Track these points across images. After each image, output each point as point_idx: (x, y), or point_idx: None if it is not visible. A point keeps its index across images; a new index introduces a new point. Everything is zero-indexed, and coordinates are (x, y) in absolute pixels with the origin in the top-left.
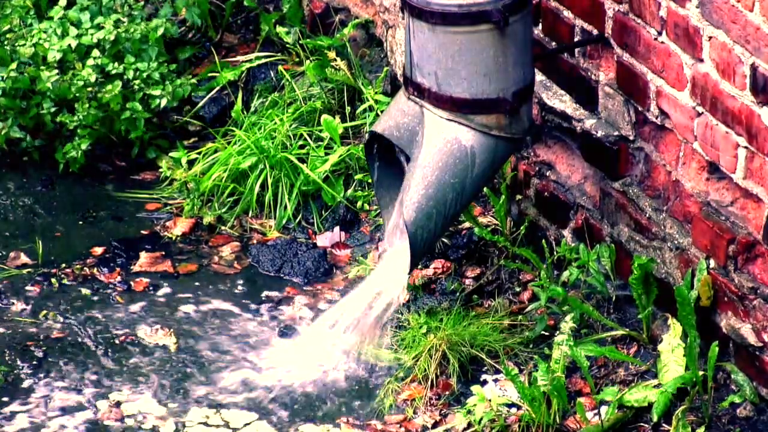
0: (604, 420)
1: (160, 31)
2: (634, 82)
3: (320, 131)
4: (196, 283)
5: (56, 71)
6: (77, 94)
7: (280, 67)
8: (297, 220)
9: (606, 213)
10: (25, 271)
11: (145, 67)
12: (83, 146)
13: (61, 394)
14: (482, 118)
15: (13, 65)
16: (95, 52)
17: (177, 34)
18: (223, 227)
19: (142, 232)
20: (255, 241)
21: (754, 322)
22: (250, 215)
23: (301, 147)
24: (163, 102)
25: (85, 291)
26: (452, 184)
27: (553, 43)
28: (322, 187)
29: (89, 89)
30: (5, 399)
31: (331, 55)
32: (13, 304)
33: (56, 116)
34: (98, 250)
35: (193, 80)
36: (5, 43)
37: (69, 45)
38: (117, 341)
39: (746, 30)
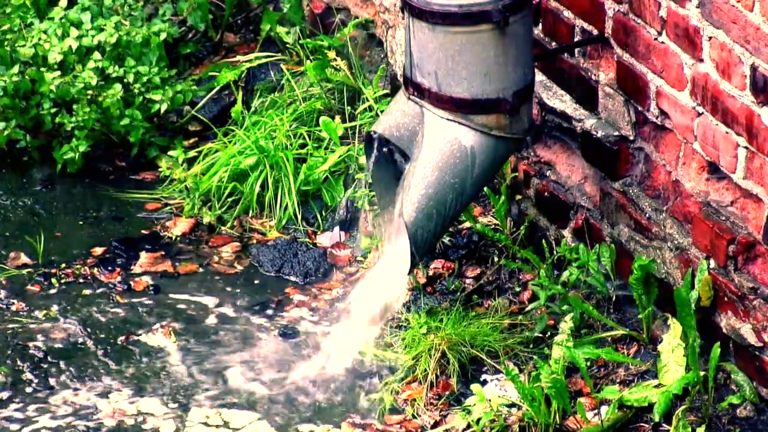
0: (604, 420)
1: (163, 36)
2: (634, 82)
3: (320, 131)
4: (196, 283)
5: (58, 72)
6: (77, 96)
7: (282, 66)
8: (298, 220)
9: (606, 213)
10: (25, 271)
11: (145, 70)
12: (81, 148)
13: (61, 394)
14: (482, 118)
15: (15, 68)
16: (96, 55)
17: (177, 34)
18: (223, 227)
19: (142, 232)
20: (255, 241)
21: (754, 322)
22: (250, 215)
23: (302, 147)
24: (163, 107)
25: (85, 291)
26: (452, 184)
27: (553, 43)
28: (321, 187)
29: (89, 92)
30: (5, 399)
31: (332, 54)
32: (13, 304)
33: (56, 116)
34: (98, 250)
35: (194, 86)
36: (5, 43)
37: (69, 46)
38: (117, 341)
39: (746, 30)
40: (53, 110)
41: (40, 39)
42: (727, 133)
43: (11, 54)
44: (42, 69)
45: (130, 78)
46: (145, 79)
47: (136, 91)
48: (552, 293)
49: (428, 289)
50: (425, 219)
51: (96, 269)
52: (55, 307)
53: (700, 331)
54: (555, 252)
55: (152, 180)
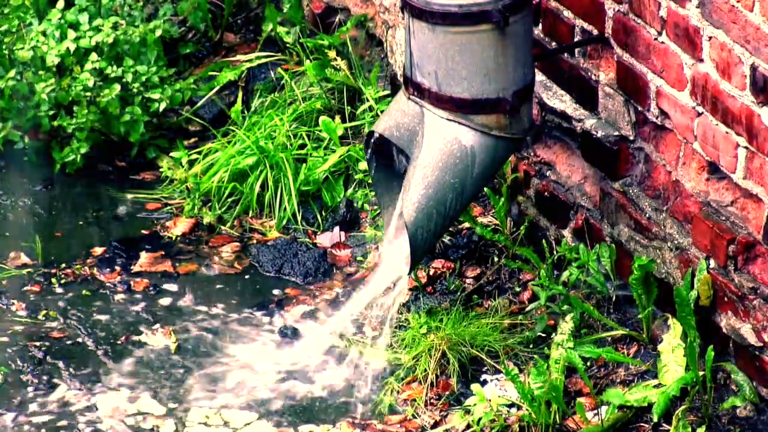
0: (604, 420)
1: (158, 33)
2: (634, 82)
3: (320, 131)
4: (196, 283)
5: (53, 79)
6: (75, 98)
7: (280, 69)
8: (297, 220)
9: (606, 213)
10: (25, 271)
11: (144, 70)
12: (82, 150)
13: (61, 394)
14: (482, 118)
15: (11, 73)
16: (93, 56)
17: (177, 34)
18: (223, 227)
19: (142, 232)
20: (255, 241)
21: (754, 322)
22: (250, 215)
23: (302, 147)
24: (162, 106)
25: (85, 291)
26: (452, 184)
27: (553, 43)
28: (321, 187)
29: (88, 93)
30: (5, 399)
31: (332, 54)
32: (13, 304)
33: (54, 118)
34: (98, 250)
35: (193, 84)
36: (3, 47)
37: (67, 48)
38: (117, 341)
39: (746, 30)
40: (51, 113)
41: (38, 41)
42: (727, 133)
43: (9, 56)
44: (41, 72)
45: (129, 78)
46: (143, 78)
47: (134, 90)
48: (552, 293)
49: (428, 289)
50: (425, 219)
51: (96, 269)
52: (54, 307)
53: (701, 331)
54: (555, 252)
55: (152, 180)
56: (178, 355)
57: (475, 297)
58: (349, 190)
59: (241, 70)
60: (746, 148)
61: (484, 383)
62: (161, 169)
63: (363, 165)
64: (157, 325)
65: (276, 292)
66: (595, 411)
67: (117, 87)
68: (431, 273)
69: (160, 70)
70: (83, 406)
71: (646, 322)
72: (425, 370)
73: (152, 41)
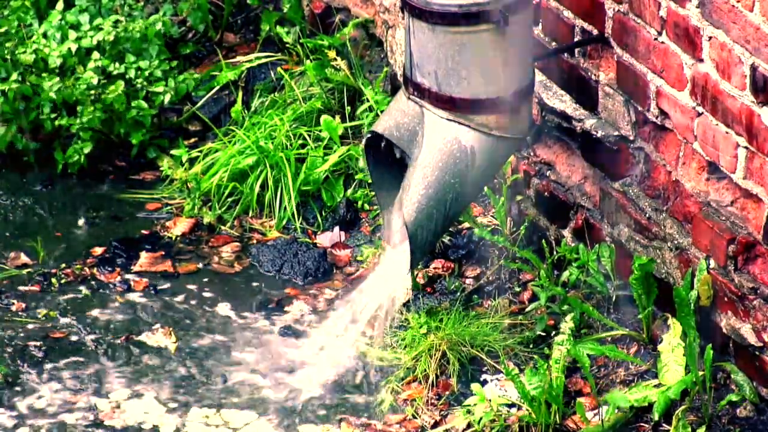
0: (604, 420)
1: (159, 26)
2: (634, 82)
3: (320, 131)
4: (196, 284)
5: (57, 77)
6: (80, 98)
7: (280, 69)
8: (298, 220)
9: (606, 213)
10: (25, 271)
11: (146, 65)
12: (86, 150)
13: (61, 394)
14: (482, 118)
15: (15, 75)
16: (95, 54)
17: (177, 34)
18: (223, 227)
19: (142, 232)
20: (255, 241)
21: (754, 322)
22: (250, 215)
23: (302, 147)
24: (167, 98)
25: (85, 291)
26: (452, 184)
27: (553, 43)
28: (321, 187)
29: (92, 92)
30: (5, 399)
31: (332, 54)
32: (13, 304)
33: (56, 119)
34: (98, 250)
35: (196, 75)
36: (5, 51)
37: (69, 49)
38: (117, 341)
39: (746, 30)
40: (53, 115)
41: (39, 44)
42: (727, 133)
43: (11, 59)
44: (44, 75)
45: (132, 74)
46: (146, 73)
47: (138, 85)
48: (552, 293)
49: (428, 289)
50: (425, 219)
51: (96, 269)
52: (54, 307)
53: (701, 330)
54: (555, 252)
55: (152, 180)
56: (178, 355)
57: (475, 297)
58: (349, 190)
59: (241, 70)
60: (746, 148)
61: (484, 383)
62: (161, 169)
63: (363, 164)
64: (157, 325)
65: (276, 292)
66: (596, 411)
67: (121, 83)
68: (431, 273)
69: (162, 64)
70: (83, 406)
71: (646, 322)
72: (425, 370)
73: (153, 35)
